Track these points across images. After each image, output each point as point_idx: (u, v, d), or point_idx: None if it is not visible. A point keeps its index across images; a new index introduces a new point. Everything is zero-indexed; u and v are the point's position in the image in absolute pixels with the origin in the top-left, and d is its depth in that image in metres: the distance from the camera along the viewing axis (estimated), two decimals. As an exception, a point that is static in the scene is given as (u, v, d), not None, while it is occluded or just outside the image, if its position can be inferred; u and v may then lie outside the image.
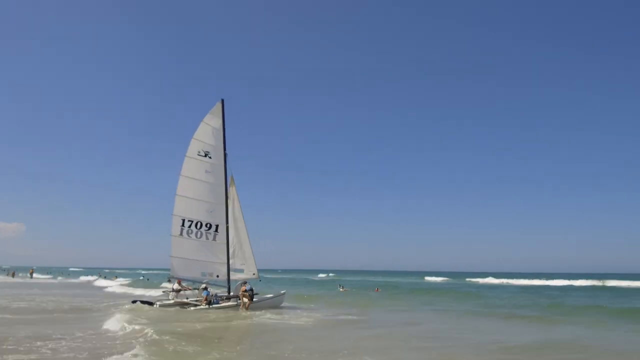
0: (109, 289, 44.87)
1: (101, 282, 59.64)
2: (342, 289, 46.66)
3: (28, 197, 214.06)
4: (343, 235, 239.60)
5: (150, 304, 23.12)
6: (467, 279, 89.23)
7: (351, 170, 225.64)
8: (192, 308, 21.81)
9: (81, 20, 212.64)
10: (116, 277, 64.78)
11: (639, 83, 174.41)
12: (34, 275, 76.22)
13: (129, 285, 50.87)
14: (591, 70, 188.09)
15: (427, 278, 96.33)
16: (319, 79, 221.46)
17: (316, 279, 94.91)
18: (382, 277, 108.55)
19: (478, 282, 78.85)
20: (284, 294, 25.60)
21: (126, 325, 14.81)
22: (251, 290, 23.00)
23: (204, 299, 22.59)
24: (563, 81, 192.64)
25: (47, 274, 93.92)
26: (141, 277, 57.01)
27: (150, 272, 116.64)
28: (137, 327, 14.38)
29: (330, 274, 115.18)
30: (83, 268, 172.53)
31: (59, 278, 78.44)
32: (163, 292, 24.46)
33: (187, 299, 23.31)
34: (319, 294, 38.85)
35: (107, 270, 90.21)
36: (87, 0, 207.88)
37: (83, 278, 76.58)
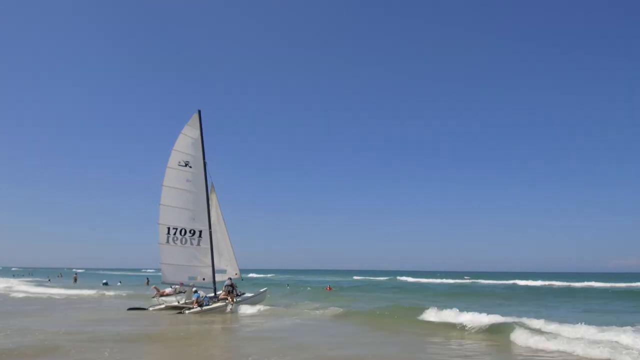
0: None
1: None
2: (288, 287, 50.25)
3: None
4: (281, 237, 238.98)
5: (144, 309, 24.03)
6: (398, 277, 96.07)
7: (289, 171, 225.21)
8: (187, 312, 23.03)
9: (52, 25, 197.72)
10: (76, 276, 62.80)
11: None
12: None
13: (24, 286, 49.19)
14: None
15: (355, 277, 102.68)
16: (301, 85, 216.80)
17: (256, 277, 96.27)
18: (316, 275, 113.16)
19: (407, 280, 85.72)
20: (265, 291, 27.57)
21: None
22: (231, 286, 24.67)
23: (194, 301, 23.89)
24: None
25: None
26: (104, 281, 57.22)
27: (131, 274, 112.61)
28: None
29: (269, 274, 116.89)
30: (21, 267, 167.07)
31: None
32: (153, 297, 25.36)
33: (178, 302, 24.45)
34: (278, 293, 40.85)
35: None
36: (59, 6, 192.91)
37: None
